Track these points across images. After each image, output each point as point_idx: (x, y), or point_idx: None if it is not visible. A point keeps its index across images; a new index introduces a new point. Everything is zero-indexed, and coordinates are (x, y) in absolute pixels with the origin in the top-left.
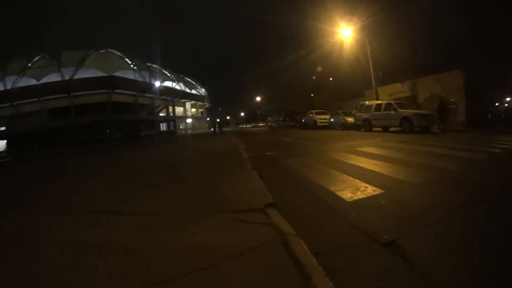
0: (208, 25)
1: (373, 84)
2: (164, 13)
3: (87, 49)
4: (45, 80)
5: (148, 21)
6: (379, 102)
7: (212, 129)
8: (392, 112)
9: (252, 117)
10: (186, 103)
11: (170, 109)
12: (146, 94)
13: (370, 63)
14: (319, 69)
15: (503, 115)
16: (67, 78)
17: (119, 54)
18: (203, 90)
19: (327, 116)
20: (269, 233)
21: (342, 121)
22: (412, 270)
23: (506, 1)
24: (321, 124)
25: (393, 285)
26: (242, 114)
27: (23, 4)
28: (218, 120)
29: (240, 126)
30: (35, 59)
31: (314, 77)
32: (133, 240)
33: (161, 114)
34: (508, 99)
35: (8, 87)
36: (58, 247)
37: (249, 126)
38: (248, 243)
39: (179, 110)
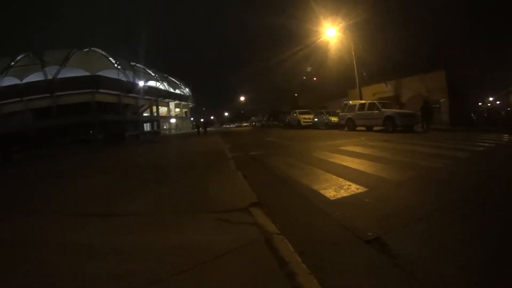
0: (193, 26)
1: (357, 83)
2: (148, 12)
3: (71, 48)
4: (28, 79)
5: (132, 20)
6: (363, 101)
7: (196, 129)
8: (376, 111)
9: (236, 117)
10: (170, 103)
11: (154, 109)
12: (130, 94)
13: (354, 63)
14: (309, 69)
15: (485, 115)
16: (50, 77)
17: (103, 53)
18: (187, 89)
19: (311, 116)
20: (254, 232)
21: (326, 121)
22: (397, 266)
23: (489, 3)
24: (305, 123)
25: (379, 281)
26: (226, 114)
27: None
28: (202, 120)
29: (224, 126)
30: (18, 57)
31: (304, 77)
32: (121, 241)
33: (144, 114)
34: (490, 98)
35: None
36: (45, 249)
37: (233, 126)
38: (233, 242)
39: (163, 110)
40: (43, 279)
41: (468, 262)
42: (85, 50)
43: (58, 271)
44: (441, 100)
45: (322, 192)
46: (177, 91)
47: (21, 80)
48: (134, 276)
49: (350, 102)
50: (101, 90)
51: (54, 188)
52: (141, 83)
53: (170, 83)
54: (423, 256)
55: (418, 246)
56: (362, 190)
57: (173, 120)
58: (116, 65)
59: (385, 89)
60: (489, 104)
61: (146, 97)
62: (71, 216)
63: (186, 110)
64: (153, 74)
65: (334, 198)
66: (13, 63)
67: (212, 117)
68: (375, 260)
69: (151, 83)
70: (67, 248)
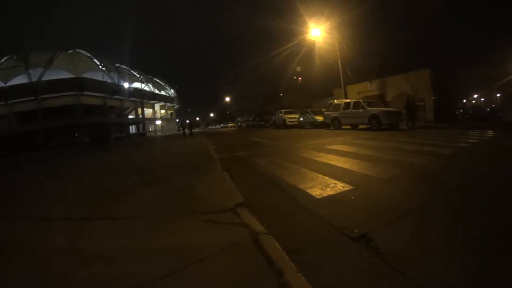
0: (178, 25)
1: (342, 82)
2: (133, 12)
3: (55, 50)
4: (12, 82)
5: (117, 20)
6: (348, 100)
7: (181, 130)
8: (361, 110)
9: (221, 118)
10: (155, 105)
11: (139, 111)
12: (115, 96)
13: (339, 62)
14: (298, 68)
15: (470, 112)
16: (34, 80)
17: (88, 54)
18: (172, 91)
19: (297, 115)
20: (241, 232)
21: (312, 120)
22: (384, 262)
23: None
24: (290, 123)
25: (366, 277)
26: (212, 114)
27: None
28: (188, 121)
29: (209, 127)
30: (3, 60)
31: (295, 77)
32: (110, 245)
33: (130, 116)
34: (475, 96)
35: None
36: (33, 255)
37: (219, 126)
38: (220, 243)
39: (148, 111)
40: (29, 283)
41: (454, 257)
42: (70, 51)
43: (48, 276)
44: (432, 98)
45: (308, 191)
46: (162, 93)
47: (5, 83)
48: (125, 279)
49: (336, 101)
50: (86, 92)
51: (42, 192)
52: (126, 85)
53: (155, 85)
54: (410, 252)
55: (405, 242)
56: (348, 188)
57: (158, 122)
58: (101, 66)
59: (370, 87)
60: (473, 101)
61: (131, 99)
62: (59, 221)
63: (172, 111)
64: (138, 76)
65: (320, 197)
66: None
67: (197, 118)
68: (362, 257)
69: (136, 84)
70: (56, 253)
